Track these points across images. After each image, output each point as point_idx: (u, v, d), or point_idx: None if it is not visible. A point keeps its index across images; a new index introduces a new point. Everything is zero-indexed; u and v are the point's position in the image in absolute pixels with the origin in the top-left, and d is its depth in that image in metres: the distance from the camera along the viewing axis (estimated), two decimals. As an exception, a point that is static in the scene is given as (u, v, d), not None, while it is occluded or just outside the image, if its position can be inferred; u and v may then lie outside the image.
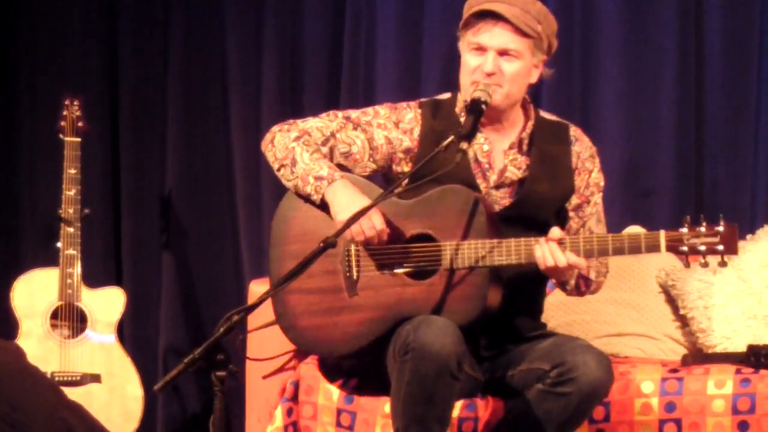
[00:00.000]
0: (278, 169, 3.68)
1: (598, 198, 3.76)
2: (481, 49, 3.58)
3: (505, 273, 3.55)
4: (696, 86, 4.80)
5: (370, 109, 3.76)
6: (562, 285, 3.69)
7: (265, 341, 3.95)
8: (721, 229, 3.37)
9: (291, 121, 3.74)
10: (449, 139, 3.44)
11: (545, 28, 3.61)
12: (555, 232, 3.46)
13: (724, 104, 4.78)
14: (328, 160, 3.64)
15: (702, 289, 4.28)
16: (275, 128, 3.73)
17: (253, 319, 3.86)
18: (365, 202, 3.49)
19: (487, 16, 3.56)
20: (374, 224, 3.52)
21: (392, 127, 3.72)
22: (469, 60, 3.61)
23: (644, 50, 4.82)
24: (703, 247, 3.37)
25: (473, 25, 3.59)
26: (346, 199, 3.54)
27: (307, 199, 3.63)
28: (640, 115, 4.84)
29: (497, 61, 3.57)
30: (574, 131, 3.78)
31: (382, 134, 3.71)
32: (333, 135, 3.69)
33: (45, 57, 5.41)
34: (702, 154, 4.81)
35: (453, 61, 3.80)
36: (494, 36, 3.56)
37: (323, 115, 3.75)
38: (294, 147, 3.64)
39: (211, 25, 5.35)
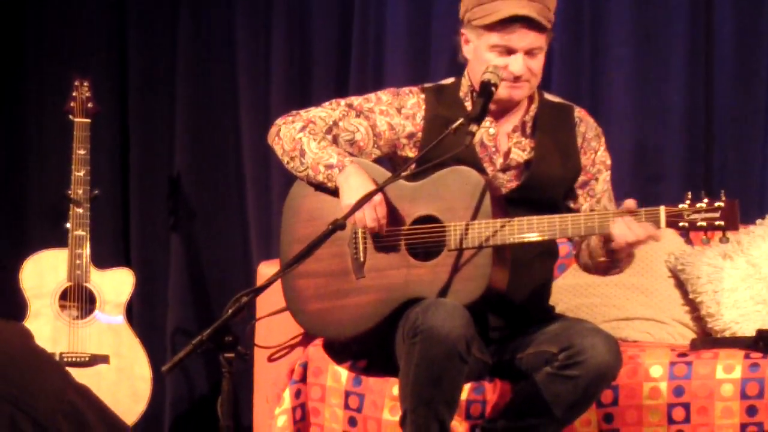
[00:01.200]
0: (288, 162, 3.68)
1: (606, 176, 3.76)
2: (507, 51, 3.57)
3: (513, 255, 3.55)
4: (705, 71, 4.78)
5: (372, 96, 3.76)
6: (617, 263, 3.63)
7: (273, 326, 3.95)
8: (722, 204, 3.34)
9: (294, 112, 3.74)
10: (459, 122, 3.43)
11: (553, 13, 3.61)
12: (629, 203, 3.42)
13: (733, 88, 4.77)
14: (336, 147, 3.65)
15: (711, 274, 4.27)
16: (279, 121, 3.73)
17: (262, 303, 3.86)
18: (374, 187, 3.49)
19: (516, 20, 3.54)
20: (378, 215, 3.53)
21: (395, 113, 3.72)
22: (490, 59, 3.58)
23: (654, 34, 4.81)
24: (703, 223, 3.35)
25: (498, 28, 3.55)
26: (356, 183, 3.54)
27: (319, 186, 3.64)
28: (650, 99, 4.83)
29: (525, 61, 3.57)
30: (579, 112, 3.77)
31: (385, 120, 3.71)
32: (336, 123, 3.69)
33: (54, 37, 5.40)
34: (711, 139, 4.80)
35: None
36: (522, 38, 3.55)
37: (326, 104, 3.75)
38: (301, 137, 3.65)
39: (220, 6, 5.34)
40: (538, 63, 3.60)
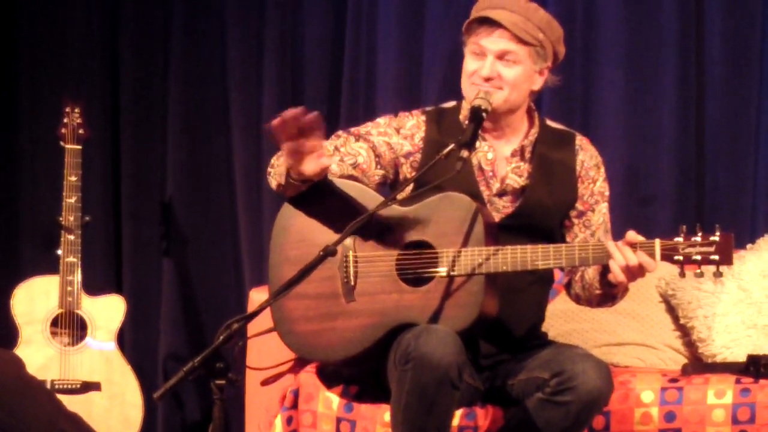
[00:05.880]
0: (269, 173, 3.64)
1: (603, 207, 3.76)
2: (480, 53, 3.60)
3: (507, 282, 3.55)
4: (697, 93, 4.79)
5: (369, 123, 3.78)
6: (613, 298, 3.65)
7: (264, 349, 3.95)
8: (716, 239, 3.36)
9: None
10: (449, 147, 3.44)
11: (548, 36, 3.62)
12: (631, 235, 3.43)
13: (724, 111, 4.78)
14: None
15: (702, 299, 4.27)
16: None
17: (253, 327, 3.85)
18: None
19: (487, 21, 3.58)
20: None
21: (393, 132, 3.73)
22: (468, 63, 3.63)
23: (645, 56, 4.82)
24: (698, 257, 3.37)
25: (475, 30, 3.61)
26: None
27: (293, 187, 3.56)
28: (641, 121, 4.84)
29: (495, 65, 3.59)
30: (580, 140, 3.78)
31: (383, 140, 3.72)
32: (337, 149, 3.69)
33: (45, 62, 5.41)
34: (702, 162, 4.80)
35: (454, 65, 3.81)
36: (492, 41, 3.59)
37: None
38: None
39: (211, 29, 5.35)
40: (512, 72, 3.60)
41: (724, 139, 4.78)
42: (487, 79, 3.59)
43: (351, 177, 3.67)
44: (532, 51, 3.61)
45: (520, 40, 3.58)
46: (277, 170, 3.57)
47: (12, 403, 3.30)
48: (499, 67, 3.59)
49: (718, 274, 3.38)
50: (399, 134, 3.73)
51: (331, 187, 3.62)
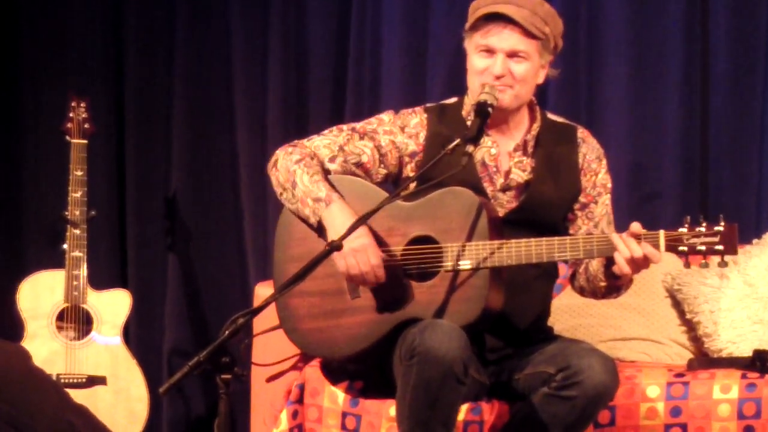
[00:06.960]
0: (281, 194, 3.68)
1: (606, 199, 3.76)
2: (489, 51, 3.58)
3: (511, 276, 3.55)
4: (701, 89, 4.79)
5: (373, 119, 3.77)
6: (618, 290, 3.66)
7: (270, 345, 3.95)
8: (721, 228, 3.36)
9: (295, 141, 3.73)
10: (455, 142, 3.44)
11: (552, 29, 3.62)
12: (634, 227, 3.43)
13: (729, 107, 4.77)
14: (328, 183, 3.63)
15: (708, 294, 4.27)
16: (280, 151, 3.72)
17: (258, 323, 3.86)
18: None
19: (496, 18, 3.56)
20: (369, 259, 3.51)
21: (398, 131, 3.72)
22: (476, 61, 3.61)
23: (650, 52, 4.82)
24: (702, 247, 3.37)
25: (481, 27, 3.59)
26: (341, 220, 3.52)
27: (307, 221, 3.62)
28: (646, 117, 4.84)
29: (506, 63, 3.57)
30: (582, 133, 3.78)
31: (388, 139, 3.71)
32: (341, 148, 3.69)
33: (50, 57, 5.40)
34: (707, 157, 4.80)
35: (458, 61, 3.80)
36: (503, 38, 3.57)
37: (327, 131, 3.74)
38: (295, 170, 3.63)
39: (216, 26, 5.35)
40: (522, 68, 3.59)
41: (729, 135, 4.78)
42: (499, 77, 3.58)
43: (353, 175, 3.68)
44: (540, 45, 3.61)
45: (530, 35, 3.57)
46: (294, 196, 3.63)
47: (18, 395, 3.30)
48: (510, 65, 3.58)
49: (722, 264, 3.37)
50: (404, 133, 3.72)
51: (335, 184, 3.63)
